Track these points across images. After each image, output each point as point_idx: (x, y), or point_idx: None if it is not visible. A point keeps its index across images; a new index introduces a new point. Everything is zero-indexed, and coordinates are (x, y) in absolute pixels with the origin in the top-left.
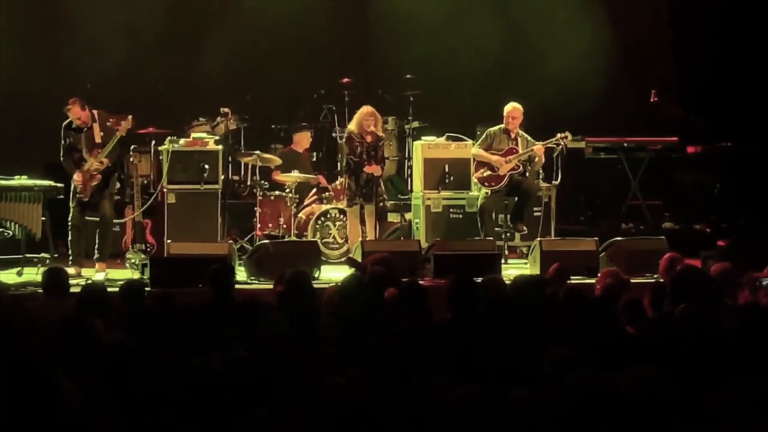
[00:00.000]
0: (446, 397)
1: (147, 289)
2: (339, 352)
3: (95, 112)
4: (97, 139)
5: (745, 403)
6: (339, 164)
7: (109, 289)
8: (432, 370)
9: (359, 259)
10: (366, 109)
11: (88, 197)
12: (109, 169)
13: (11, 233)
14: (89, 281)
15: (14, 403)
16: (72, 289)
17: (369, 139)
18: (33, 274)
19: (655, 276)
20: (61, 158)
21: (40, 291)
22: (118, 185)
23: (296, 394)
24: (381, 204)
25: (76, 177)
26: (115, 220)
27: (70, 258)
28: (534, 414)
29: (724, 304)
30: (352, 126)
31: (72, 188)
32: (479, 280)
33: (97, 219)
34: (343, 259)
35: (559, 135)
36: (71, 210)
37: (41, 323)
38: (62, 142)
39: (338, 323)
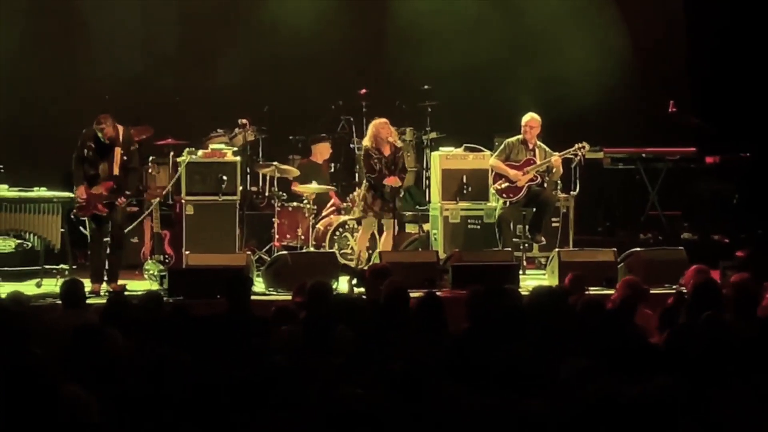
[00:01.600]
0: (462, 407)
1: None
2: (353, 362)
3: (121, 129)
4: (115, 170)
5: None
6: (357, 175)
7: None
8: (448, 379)
9: None
10: (378, 121)
11: (90, 214)
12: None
13: (30, 245)
14: (110, 292)
15: (16, 411)
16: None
17: (387, 151)
18: (52, 286)
19: (674, 287)
20: (73, 165)
21: (59, 302)
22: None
23: (306, 401)
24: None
25: (80, 192)
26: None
27: (90, 274)
28: (548, 423)
29: (743, 314)
30: (366, 141)
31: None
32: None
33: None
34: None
35: (576, 145)
36: (87, 225)
37: (57, 333)
38: (80, 150)
39: (355, 334)
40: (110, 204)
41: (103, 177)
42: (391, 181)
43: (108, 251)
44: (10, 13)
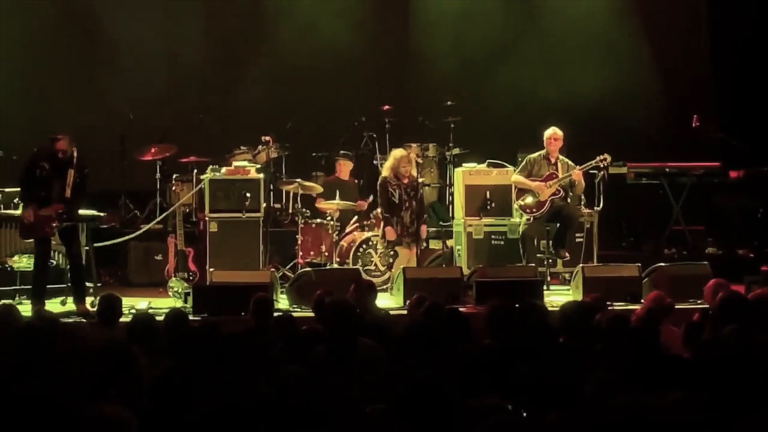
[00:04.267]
0: (489, 422)
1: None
2: (379, 380)
3: (76, 154)
4: (68, 192)
5: None
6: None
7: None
8: (474, 395)
9: (402, 289)
10: (399, 153)
11: (37, 237)
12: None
13: (55, 262)
14: (134, 310)
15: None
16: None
17: (406, 181)
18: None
19: (699, 302)
20: (22, 182)
21: (84, 320)
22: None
23: (335, 422)
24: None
25: (27, 213)
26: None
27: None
28: None
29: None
30: (385, 171)
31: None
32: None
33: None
34: (385, 287)
35: (598, 157)
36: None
37: (87, 351)
38: (31, 170)
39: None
40: (68, 226)
41: (54, 199)
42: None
43: (70, 274)
44: (34, 31)
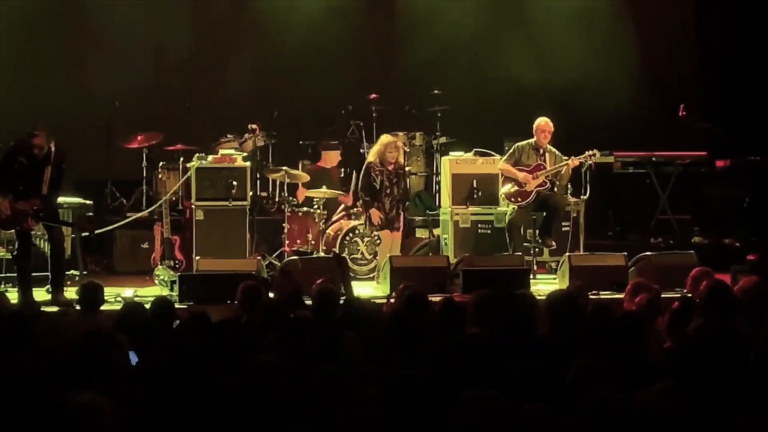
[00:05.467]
0: (475, 412)
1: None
2: (365, 370)
3: (54, 149)
4: (44, 189)
5: None
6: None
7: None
8: (460, 385)
9: (388, 278)
10: (386, 139)
11: (14, 229)
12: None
13: (41, 250)
14: (119, 298)
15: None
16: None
17: (391, 168)
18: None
19: (685, 290)
20: None
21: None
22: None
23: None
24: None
25: (4, 206)
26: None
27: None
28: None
29: (753, 318)
30: (371, 156)
31: None
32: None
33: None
34: (372, 275)
35: (587, 153)
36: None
37: (71, 338)
38: (8, 163)
39: (363, 341)
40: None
41: (31, 193)
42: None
43: (50, 259)
44: (19, 19)
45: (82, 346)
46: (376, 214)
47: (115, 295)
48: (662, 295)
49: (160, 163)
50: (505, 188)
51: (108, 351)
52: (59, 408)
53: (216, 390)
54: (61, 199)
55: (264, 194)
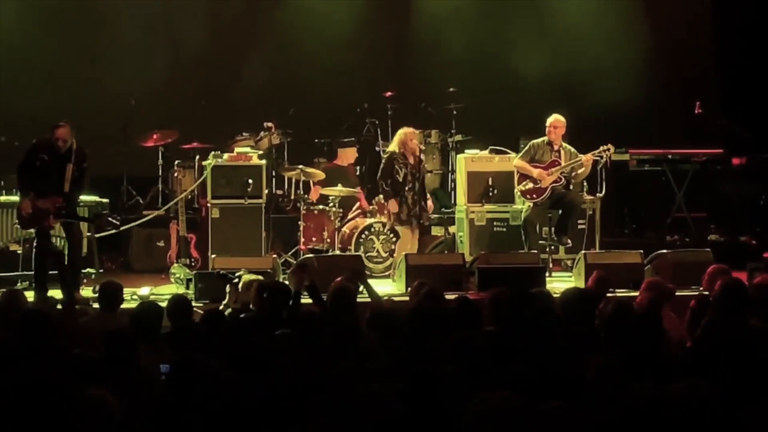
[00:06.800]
0: (492, 410)
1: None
2: (381, 366)
3: (75, 148)
4: (66, 186)
5: None
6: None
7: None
8: (476, 383)
9: (403, 276)
10: (407, 130)
11: (36, 228)
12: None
13: (57, 249)
14: (135, 296)
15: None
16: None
17: (412, 160)
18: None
19: (701, 288)
20: (20, 172)
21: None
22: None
23: (338, 409)
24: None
25: (25, 205)
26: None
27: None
28: (566, 427)
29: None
30: (393, 146)
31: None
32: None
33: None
34: (387, 273)
35: (602, 147)
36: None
37: (88, 338)
38: (30, 160)
39: (381, 338)
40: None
41: (52, 191)
42: (392, 206)
43: (67, 256)
44: (35, 17)
45: (102, 344)
46: (394, 205)
47: (131, 293)
48: (677, 293)
49: (176, 161)
50: (521, 185)
51: (127, 352)
52: (69, 401)
53: (218, 389)
54: None
55: (279, 192)
